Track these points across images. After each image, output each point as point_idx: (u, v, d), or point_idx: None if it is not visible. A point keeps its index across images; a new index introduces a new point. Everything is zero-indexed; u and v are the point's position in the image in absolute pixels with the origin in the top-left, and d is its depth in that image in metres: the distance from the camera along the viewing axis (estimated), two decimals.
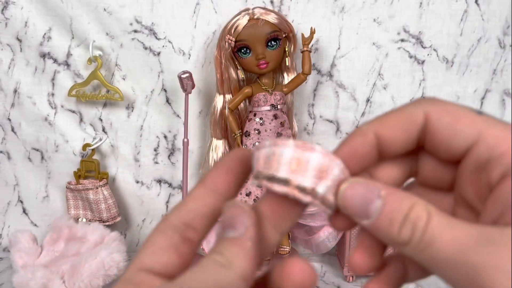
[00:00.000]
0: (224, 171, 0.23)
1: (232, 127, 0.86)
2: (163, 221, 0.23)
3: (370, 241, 0.24)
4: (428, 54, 0.91)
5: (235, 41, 0.80)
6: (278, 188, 0.21)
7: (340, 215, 0.23)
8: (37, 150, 0.96)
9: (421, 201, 0.21)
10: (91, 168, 0.93)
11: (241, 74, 0.84)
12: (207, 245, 0.85)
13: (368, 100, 0.93)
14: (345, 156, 0.23)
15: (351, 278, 0.87)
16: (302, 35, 0.84)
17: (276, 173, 0.21)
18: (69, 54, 0.91)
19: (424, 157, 0.25)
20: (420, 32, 0.90)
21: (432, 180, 0.25)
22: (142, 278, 0.21)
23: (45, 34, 0.90)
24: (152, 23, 0.89)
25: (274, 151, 0.22)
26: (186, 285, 0.20)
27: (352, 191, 0.22)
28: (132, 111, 0.94)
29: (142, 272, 0.21)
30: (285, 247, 0.89)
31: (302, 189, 0.21)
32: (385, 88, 0.92)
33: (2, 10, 0.89)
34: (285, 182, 0.21)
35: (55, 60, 0.91)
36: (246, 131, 0.85)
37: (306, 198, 0.21)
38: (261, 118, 0.84)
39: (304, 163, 0.21)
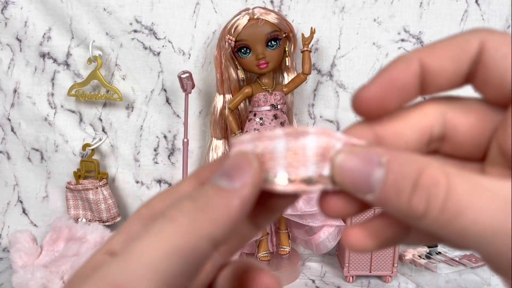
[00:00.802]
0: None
1: (232, 127, 0.86)
2: (145, 207, 0.20)
3: (378, 223, 0.20)
4: None
5: (235, 41, 0.80)
6: (282, 188, 0.19)
7: (331, 197, 0.20)
8: (37, 150, 0.96)
9: (433, 161, 0.17)
10: (91, 168, 0.93)
11: (241, 74, 0.84)
12: None
13: None
14: (384, 85, 0.19)
15: (351, 278, 0.87)
16: (302, 35, 0.84)
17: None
18: (68, 54, 0.91)
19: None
20: (420, 32, 0.90)
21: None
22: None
23: (44, 34, 0.90)
24: (152, 23, 0.89)
25: (263, 147, 0.19)
26: (133, 258, 0.16)
27: (350, 162, 0.18)
28: (132, 111, 0.94)
29: (109, 256, 0.19)
30: (285, 247, 0.89)
31: (309, 181, 0.19)
32: None
33: (2, 10, 0.89)
34: (288, 179, 0.19)
35: (54, 60, 0.91)
36: (246, 131, 0.85)
37: (315, 188, 0.19)
38: (261, 118, 0.84)
39: (301, 152, 0.19)
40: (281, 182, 0.19)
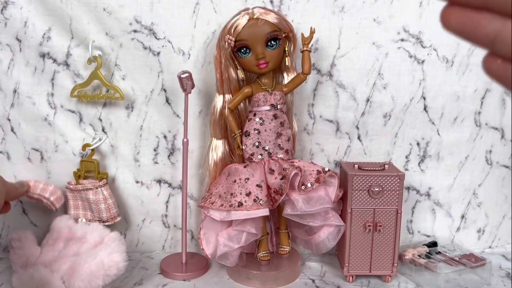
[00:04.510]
0: None
1: (232, 127, 0.86)
2: None
3: None
4: (428, 54, 0.91)
5: (235, 41, 0.80)
6: None
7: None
8: (37, 150, 0.95)
9: None
10: (90, 168, 0.93)
11: (240, 74, 0.84)
12: (207, 245, 0.85)
13: (368, 100, 0.93)
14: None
15: (351, 278, 0.87)
16: (302, 34, 0.84)
17: None
18: (68, 54, 0.91)
19: None
20: (420, 31, 0.90)
21: None
22: None
23: (44, 34, 0.90)
24: (152, 23, 0.89)
25: None
26: None
27: None
28: (131, 111, 0.94)
29: None
30: (285, 247, 0.89)
31: None
32: (385, 87, 0.92)
33: (2, 10, 0.89)
34: None
35: (54, 60, 0.91)
36: (246, 131, 0.85)
37: None
38: (261, 118, 0.84)
39: None
40: None
